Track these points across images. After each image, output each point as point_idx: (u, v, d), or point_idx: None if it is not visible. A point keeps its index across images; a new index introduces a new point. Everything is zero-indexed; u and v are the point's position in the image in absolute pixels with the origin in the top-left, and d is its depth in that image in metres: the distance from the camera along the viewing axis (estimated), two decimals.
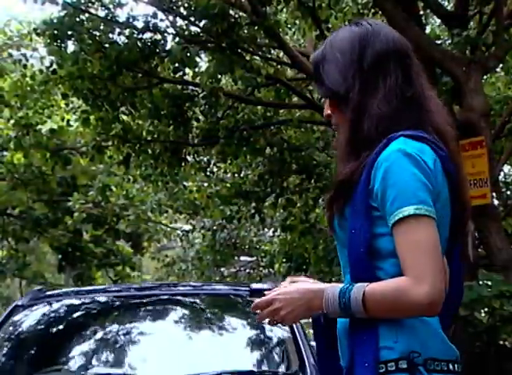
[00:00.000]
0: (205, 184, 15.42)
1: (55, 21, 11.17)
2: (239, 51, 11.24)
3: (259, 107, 12.87)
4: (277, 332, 4.52)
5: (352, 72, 2.40)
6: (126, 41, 11.22)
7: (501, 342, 8.94)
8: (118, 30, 11.42)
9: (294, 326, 4.38)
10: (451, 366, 2.26)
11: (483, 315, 8.55)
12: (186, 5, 11.36)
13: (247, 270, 20.81)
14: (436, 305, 2.18)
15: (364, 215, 2.26)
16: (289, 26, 13.18)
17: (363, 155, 2.31)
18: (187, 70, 11.82)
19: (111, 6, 11.43)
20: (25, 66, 12.76)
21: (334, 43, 2.47)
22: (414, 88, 2.39)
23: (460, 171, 2.39)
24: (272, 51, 12.28)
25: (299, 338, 4.35)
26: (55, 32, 11.11)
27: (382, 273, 2.24)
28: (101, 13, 11.44)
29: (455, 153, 2.40)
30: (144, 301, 4.89)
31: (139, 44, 11.18)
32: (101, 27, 11.32)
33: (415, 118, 2.35)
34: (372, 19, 2.53)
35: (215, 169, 14.29)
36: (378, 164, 2.26)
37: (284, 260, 14.70)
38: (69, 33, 11.13)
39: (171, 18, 11.57)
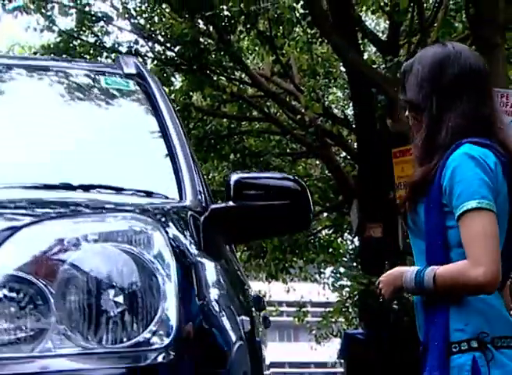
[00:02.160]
0: None
1: (51, 46, 12.90)
2: (207, 72, 12.65)
3: (224, 119, 14.12)
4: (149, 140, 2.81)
5: (430, 87, 2.57)
6: None
7: None
8: (105, 54, 13.16)
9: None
10: None
11: None
12: (163, 33, 13.04)
13: None
14: (491, 284, 2.38)
15: (438, 211, 2.48)
16: (250, 51, 14.42)
17: (435, 159, 2.53)
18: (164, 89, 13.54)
19: (99, 34, 13.26)
20: None
21: (420, 58, 2.64)
22: (486, 107, 2.58)
23: None
24: (236, 73, 13.51)
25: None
26: (52, 55, 12.48)
27: (452, 261, 2.47)
28: (91, 40, 13.20)
29: None
30: None
31: None
32: (91, 52, 13.05)
33: (484, 131, 2.54)
34: (456, 43, 2.74)
35: None
36: (447, 165, 2.47)
37: (245, 249, 15.32)
38: (64, 56, 12.49)
39: (150, 44, 13.30)
